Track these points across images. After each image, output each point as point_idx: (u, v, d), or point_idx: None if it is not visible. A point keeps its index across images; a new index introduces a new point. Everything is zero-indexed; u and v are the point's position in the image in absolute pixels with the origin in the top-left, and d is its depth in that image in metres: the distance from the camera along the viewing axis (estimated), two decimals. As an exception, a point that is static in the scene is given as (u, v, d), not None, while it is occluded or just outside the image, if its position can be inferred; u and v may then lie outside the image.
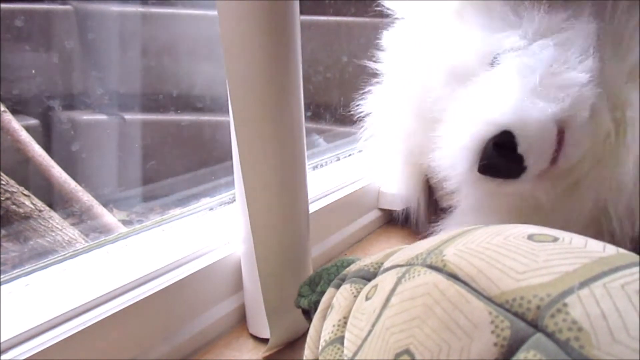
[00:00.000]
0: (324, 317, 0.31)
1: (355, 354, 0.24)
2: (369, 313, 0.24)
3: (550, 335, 0.17)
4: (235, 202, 0.42)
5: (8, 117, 0.84)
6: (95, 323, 0.34)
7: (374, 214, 0.68)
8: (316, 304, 0.35)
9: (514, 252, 0.21)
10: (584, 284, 0.18)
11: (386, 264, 0.28)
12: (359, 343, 0.24)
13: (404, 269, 0.24)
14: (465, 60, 0.46)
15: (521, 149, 0.39)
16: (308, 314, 0.37)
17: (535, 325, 0.18)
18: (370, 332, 0.23)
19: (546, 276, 0.19)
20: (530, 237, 0.22)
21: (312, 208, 0.54)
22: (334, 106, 1.19)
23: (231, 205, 0.53)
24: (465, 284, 0.20)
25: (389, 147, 0.58)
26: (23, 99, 0.98)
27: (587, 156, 0.43)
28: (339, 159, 0.73)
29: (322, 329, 0.30)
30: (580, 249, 0.20)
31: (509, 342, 0.18)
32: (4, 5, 0.95)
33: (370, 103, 0.56)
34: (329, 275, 0.35)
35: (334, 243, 0.59)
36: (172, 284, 0.39)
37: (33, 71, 1.01)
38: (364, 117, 0.57)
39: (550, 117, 0.39)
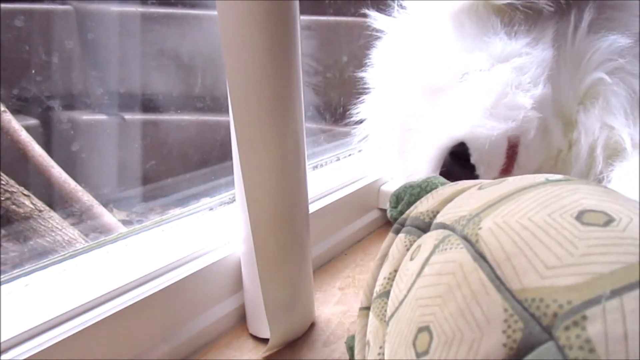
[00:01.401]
0: (381, 265, 0.30)
1: (392, 315, 0.24)
2: (409, 276, 0.24)
3: (560, 349, 0.15)
4: (235, 202, 0.42)
5: (8, 117, 0.84)
6: (95, 323, 0.34)
7: (374, 214, 0.68)
8: (395, 220, 0.34)
9: (552, 238, 0.18)
10: (615, 292, 0.15)
11: (438, 217, 0.27)
12: (397, 305, 0.24)
13: (443, 234, 0.24)
14: (439, 78, 0.52)
15: (473, 159, 0.46)
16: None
17: (550, 333, 0.16)
18: (405, 296, 0.23)
19: (575, 277, 0.16)
20: (580, 216, 0.19)
21: (312, 208, 0.54)
22: (334, 106, 1.19)
23: (231, 205, 0.53)
24: (490, 268, 0.19)
25: (381, 149, 0.64)
26: (23, 99, 0.98)
27: (542, 168, 0.49)
28: (339, 159, 0.73)
29: (378, 277, 0.30)
30: (632, 240, 0.17)
31: (518, 346, 0.16)
32: (4, 5, 0.95)
33: (363, 110, 0.62)
34: (410, 197, 0.33)
35: (334, 243, 0.59)
36: (172, 284, 0.39)
37: (33, 71, 1.01)
38: (359, 121, 0.63)
39: (500, 134, 0.45)
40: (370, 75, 0.60)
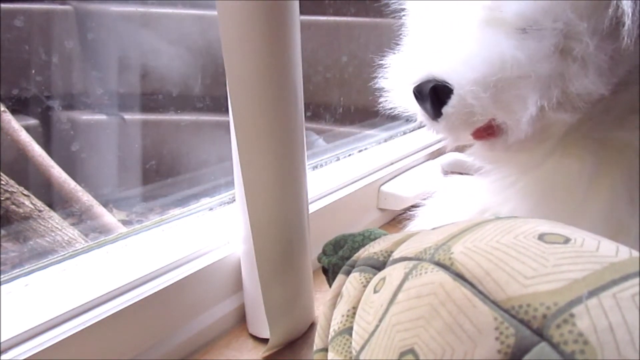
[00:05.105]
0: (334, 306, 0.31)
1: (362, 347, 0.24)
2: (377, 307, 0.24)
3: (555, 346, 0.17)
4: (235, 202, 0.42)
5: (8, 117, 0.84)
6: (95, 323, 0.34)
7: (374, 214, 0.68)
8: (335, 266, 0.35)
9: (523, 254, 0.20)
10: (592, 293, 0.17)
11: (395, 254, 0.27)
12: (367, 337, 0.24)
13: (412, 263, 0.24)
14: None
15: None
16: (327, 272, 0.37)
17: (541, 334, 0.17)
18: (377, 327, 0.23)
19: (554, 283, 0.18)
20: (541, 237, 0.21)
21: (312, 208, 0.54)
22: (334, 106, 1.19)
23: (231, 205, 0.53)
24: (471, 285, 0.20)
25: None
26: (23, 99, 0.98)
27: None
28: (338, 159, 0.73)
29: (332, 318, 0.30)
30: (591, 253, 0.19)
31: (513, 350, 0.17)
32: (4, 5, 0.95)
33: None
34: (353, 243, 0.35)
35: (334, 243, 0.59)
36: (172, 284, 0.39)
37: (33, 71, 1.01)
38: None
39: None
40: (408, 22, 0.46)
